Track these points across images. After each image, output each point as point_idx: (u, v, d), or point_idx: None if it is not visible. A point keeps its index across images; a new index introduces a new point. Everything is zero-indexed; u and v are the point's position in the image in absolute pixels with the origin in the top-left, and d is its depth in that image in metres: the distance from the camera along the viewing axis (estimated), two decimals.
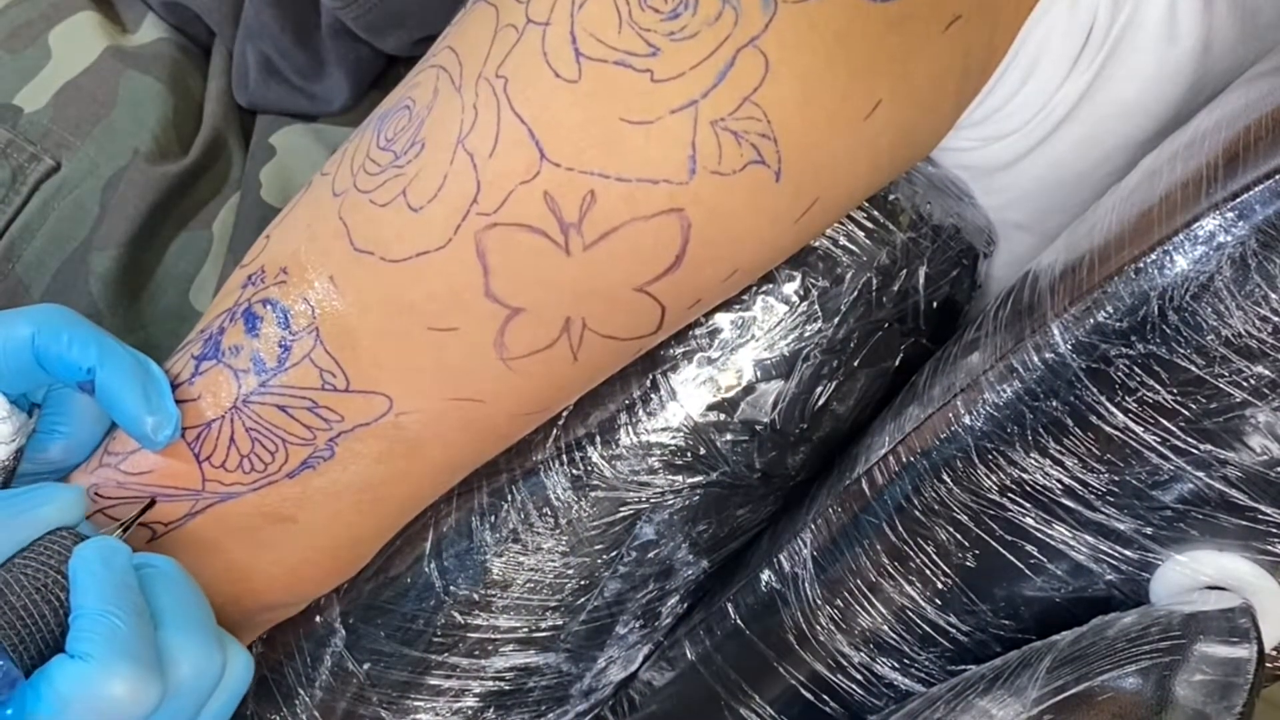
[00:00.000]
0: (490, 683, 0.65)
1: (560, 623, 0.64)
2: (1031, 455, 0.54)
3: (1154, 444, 0.51)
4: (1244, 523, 0.52)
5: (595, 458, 0.61)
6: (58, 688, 0.46)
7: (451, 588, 0.63)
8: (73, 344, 0.52)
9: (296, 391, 0.53)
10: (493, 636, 0.64)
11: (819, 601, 0.61)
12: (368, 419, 0.54)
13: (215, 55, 0.81)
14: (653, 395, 0.61)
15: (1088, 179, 0.61)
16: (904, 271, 0.61)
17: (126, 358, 0.53)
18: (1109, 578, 0.55)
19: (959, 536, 0.57)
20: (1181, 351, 0.50)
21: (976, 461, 0.55)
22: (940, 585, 0.58)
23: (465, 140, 0.50)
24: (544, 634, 0.64)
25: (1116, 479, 0.53)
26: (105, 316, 0.71)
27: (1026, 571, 0.56)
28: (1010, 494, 0.55)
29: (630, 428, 0.61)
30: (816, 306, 0.60)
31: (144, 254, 0.73)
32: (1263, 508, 0.51)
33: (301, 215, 0.55)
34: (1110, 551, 0.54)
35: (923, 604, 0.59)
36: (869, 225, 0.60)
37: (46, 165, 0.73)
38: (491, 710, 0.65)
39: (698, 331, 0.60)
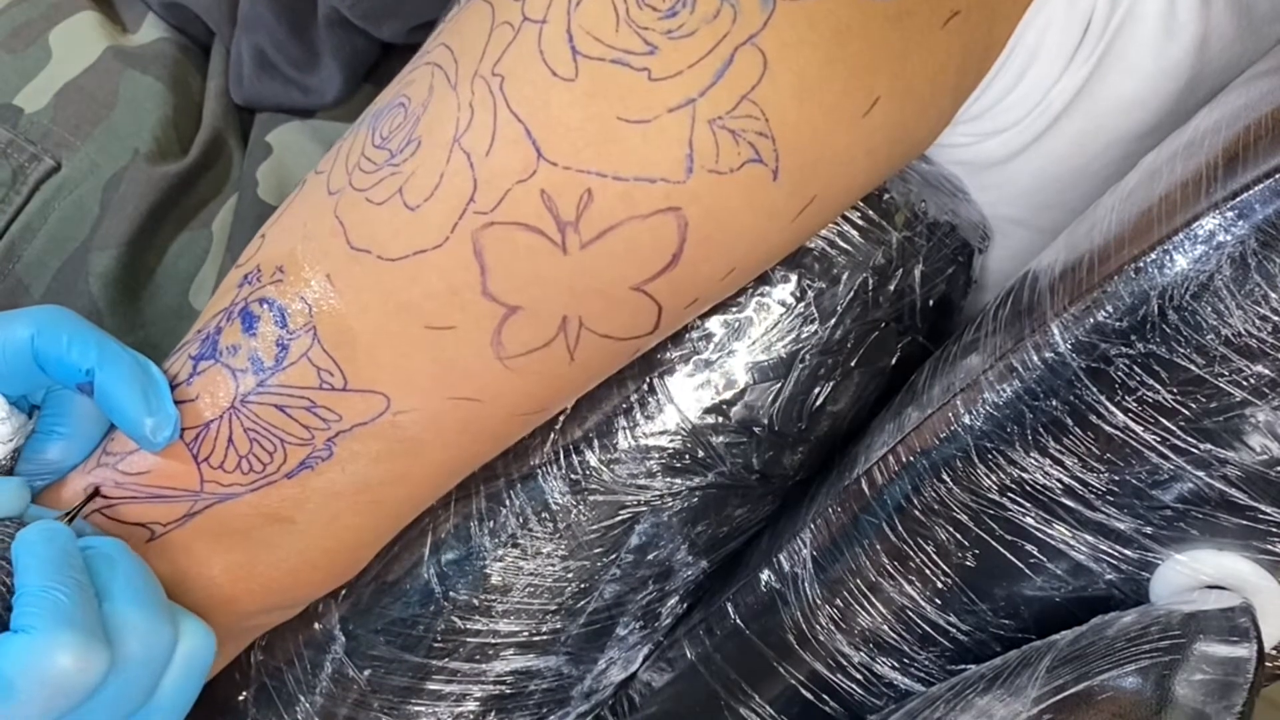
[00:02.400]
0: (491, 687, 0.65)
1: (560, 626, 0.64)
2: (1031, 455, 0.54)
3: (1154, 443, 0.51)
4: (1244, 522, 0.51)
5: (593, 461, 0.61)
6: (2, 663, 0.46)
7: (451, 593, 0.63)
8: (72, 345, 0.52)
9: (294, 391, 0.53)
10: (493, 641, 0.63)
11: (819, 601, 0.61)
12: (366, 418, 0.54)
13: (215, 55, 0.81)
14: (650, 398, 0.61)
15: (1084, 174, 0.61)
16: (900, 270, 0.61)
17: (126, 359, 0.53)
18: (1109, 577, 0.55)
19: (959, 536, 0.57)
20: (1181, 351, 0.49)
21: (976, 461, 0.55)
22: (940, 585, 0.58)
23: (461, 139, 0.50)
24: (544, 637, 0.64)
25: (1116, 478, 0.52)
26: (105, 316, 0.71)
27: (1026, 571, 0.56)
28: (1010, 493, 0.55)
29: (628, 431, 0.61)
30: (812, 308, 0.60)
31: (144, 254, 0.73)
32: (1263, 507, 0.51)
33: (297, 214, 0.55)
34: (1110, 551, 0.54)
35: (922, 604, 0.59)
36: (864, 225, 0.60)
37: (47, 165, 0.73)
38: (492, 714, 0.65)
39: (694, 334, 0.60)
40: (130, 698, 0.49)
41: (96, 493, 0.55)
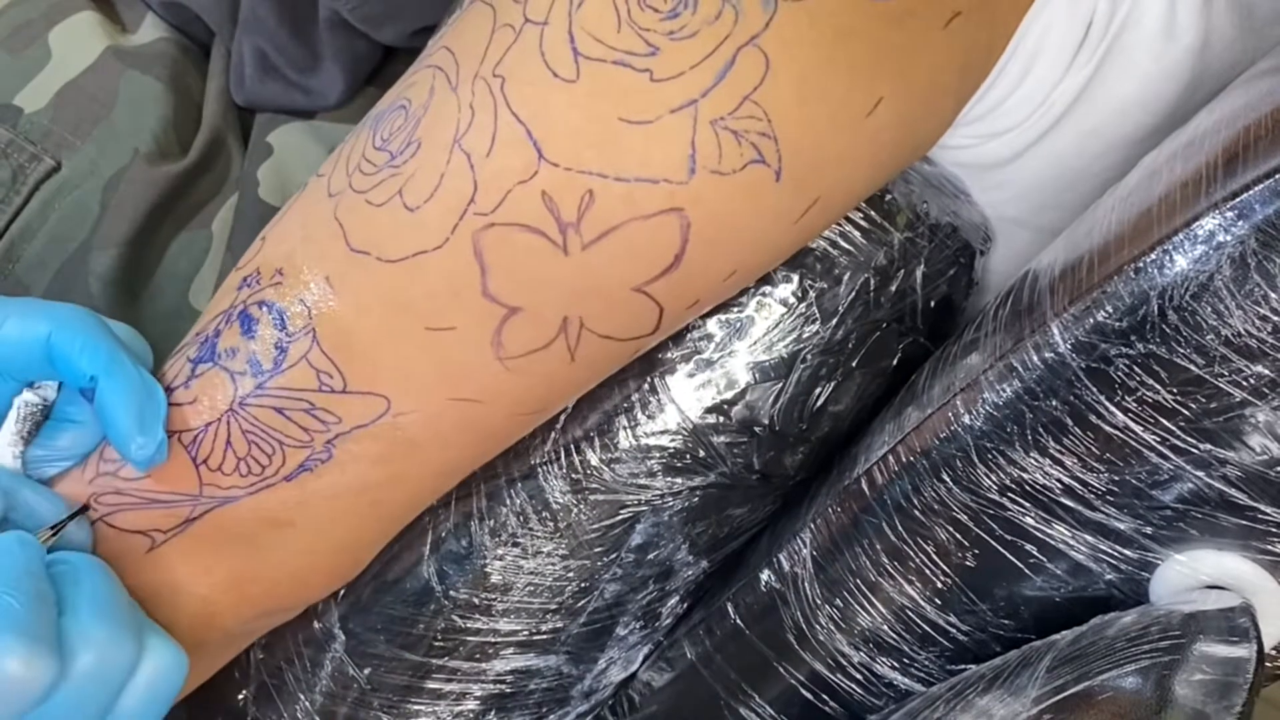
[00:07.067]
0: (491, 686, 0.65)
1: (560, 625, 0.64)
2: (1031, 455, 0.54)
3: (1154, 443, 0.51)
4: (1244, 522, 0.51)
5: (594, 460, 0.61)
6: None
7: (451, 592, 0.63)
8: (84, 350, 0.52)
9: (293, 393, 0.53)
10: (493, 640, 0.63)
11: (819, 601, 0.61)
12: (365, 420, 0.53)
13: (215, 55, 0.81)
14: (651, 398, 0.61)
15: (1085, 175, 0.61)
16: (901, 271, 0.61)
17: (132, 375, 0.52)
18: (1109, 577, 0.55)
19: (959, 536, 0.57)
20: (1181, 351, 0.49)
21: (976, 461, 0.55)
22: (940, 585, 0.58)
23: (462, 140, 0.50)
24: (544, 636, 0.64)
25: (1116, 478, 0.52)
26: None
27: (1026, 571, 0.56)
28: (1010, 493, 0.55)
29: (629, 430, 0.61)
30: (814, 308, 0.60)
31: (144, 254, 0.73)
32: (1262, 507, 0.51)
33: (297, 217, 0.55)
34: (1110, 551, 0.54)
35: (922, 604, 0.59)
36: (866, 226, 0.60)
37: (47, 165, 0.73)
38: (492, 713, 0.65)
39: (695, 334, 0.60)
40: (82, 712, 0.48)
41: (85, 508, 0.54)
